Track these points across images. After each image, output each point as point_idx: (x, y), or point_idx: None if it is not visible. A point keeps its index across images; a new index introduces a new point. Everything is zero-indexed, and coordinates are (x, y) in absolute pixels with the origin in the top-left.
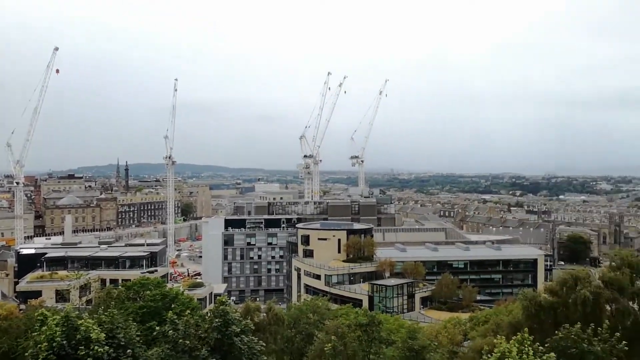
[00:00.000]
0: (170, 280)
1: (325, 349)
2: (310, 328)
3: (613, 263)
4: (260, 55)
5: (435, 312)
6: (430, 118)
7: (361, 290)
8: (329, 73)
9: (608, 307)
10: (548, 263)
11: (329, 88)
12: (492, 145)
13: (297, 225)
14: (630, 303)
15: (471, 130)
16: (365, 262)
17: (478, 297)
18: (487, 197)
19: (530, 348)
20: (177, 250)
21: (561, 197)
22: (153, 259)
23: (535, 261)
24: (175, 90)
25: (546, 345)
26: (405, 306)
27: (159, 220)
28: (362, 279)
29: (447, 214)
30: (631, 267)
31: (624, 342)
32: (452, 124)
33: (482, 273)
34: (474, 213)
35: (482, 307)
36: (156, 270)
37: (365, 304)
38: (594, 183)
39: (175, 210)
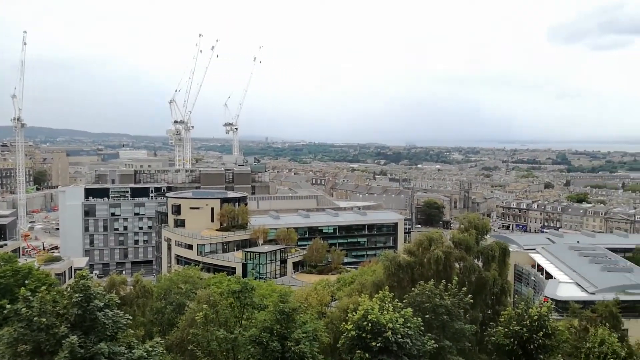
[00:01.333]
0: (23, 255)
1: (197, 317)
2: (181, 298)
3: (462, 225)
4: (130, 8)
5: (306, 276)
6: (306, 88)
7: (234, 259)
8: (200, 35)
9: (457, 265)
10: (407, 226)
11: (201, 51)
12: (361, 117)
13: (167, 195)
14: (476, 260)
15: (343, 101)
16: (239, 231)
17: (346, 260)
18: (355, 165)
19: (390, 304)
20: (30, 222)
21: (419, 166)
22: (2, 232)
23: (396, 225)
24: (25, 44)
25: (404, 301)
26: (278, 271)
27: (7, 189)
28: (235, 247)
29: (318, 182)
30: (477, 228)
31: (469, 295)
32: (327, 95)
33: (350, 237)
34: (343, 181)
35: (349, 268)
36: (5, 245)
37: (239, 271)
38: (447, 153)
39: (26, 178)
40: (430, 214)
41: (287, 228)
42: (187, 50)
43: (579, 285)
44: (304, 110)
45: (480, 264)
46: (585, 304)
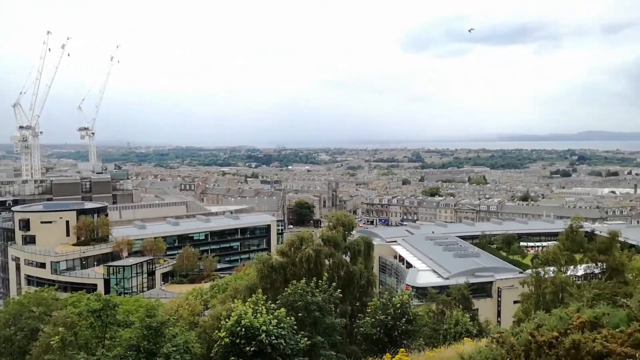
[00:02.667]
0: None
1: (53, 342)
2: (34, 323)
3: (330, 223)
4: None
5: (177, 286)
6: (172, 90)
7: (95, 275)
8: (48, 32)
9: (327, 261)
10: (280, 227)
11: (49, 49)
12: (232, 119)
13: (13, 209)
14: (344, 256)
15: (212, 103)
16: (99, 244)
17: (219, 266)
18: (226, 169)
19: (263, 307)
20: None
21: (290, 167)
22: None
23: (269, 227)
24: None
25: (277, 301)
26: (145, 285)
27: None
28: (96, 262)
29: (188, 188)
30: (344, 225)
31: (339, 290)
32: (193, 97)
33: (222, 242)
34: (214, 185)
35: (222, 275)
36: None
37: (101, 288)
38: (316, 154)
39: None
40: (301, 214)
41: (155, 237)
42: (35, 48)
43: (435, 271)
44: (169, 113)
45: (348, 259)
46: (441, 288)
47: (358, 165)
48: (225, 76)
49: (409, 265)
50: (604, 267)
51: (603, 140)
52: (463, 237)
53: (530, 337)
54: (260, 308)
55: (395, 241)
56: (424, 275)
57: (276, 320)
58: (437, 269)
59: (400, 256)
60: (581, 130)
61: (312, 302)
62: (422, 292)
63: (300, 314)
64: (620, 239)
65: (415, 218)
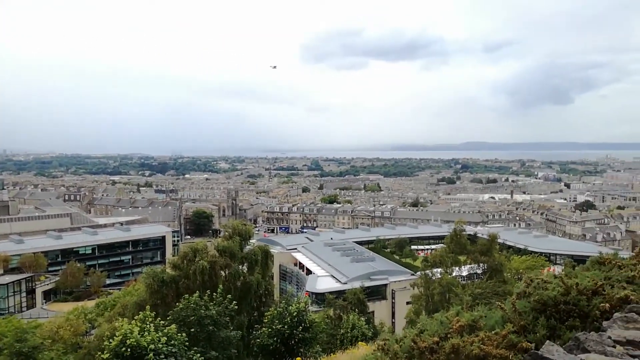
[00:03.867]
0: None
1: None
2: None
3: (226, 233)
4: None
5: (60, 305)
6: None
7: None
8: None
9: (223, 273)
10: (176, 238)
11: None
12: (122, 126)
13: None
14: (241, 266)
15: (101, 109)
16: None
17: (108, 281)
18: (116, 178)
19: (152, 324)
20: None
21: (187, 175)
22: None
23: (163, 238)
24: None
25: (168, 317)
26: (24, 304)
27: None
28: None
29: (73, 198)
30: (241, 235)
31: (234, 301)
32: (78, 102)
33: (112, 256)
34: (103, 195)
35: (111, 290)
36: None
37: None
38: (215, 162)
39: None
40: (199, 224)
41: (34, 253)
42: None
43: (334, 277)
44: (52, 118)
45: (245, 268)
46: (339, 293)
47: (258, 174)
48: (112, 81)
49: (309, 272)
50: (485, 267)
51: (483, 150)
52: (360, 243)
53: (412, 344)
54: (148, 326)
55: (296, 248)
56: (323, 281)
57: (166, 338)
58: (336, 274)
59: (300, 263)
60: (464, 141)
61: (206, 316)
62: (321, 298)
63: (193, 329)
64: (500, 240)
65: (315, 225)
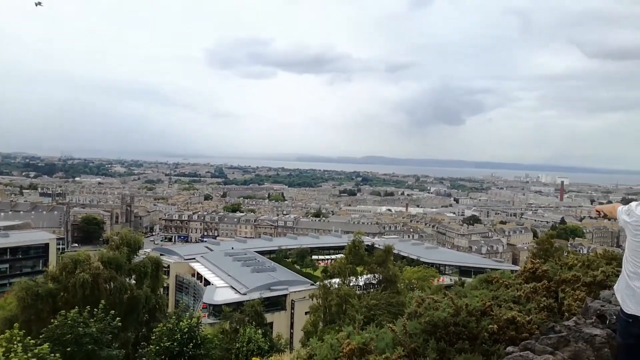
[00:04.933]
0: None
1: None
2: None
3: (112, 243)
4: None
5: None
6: None
7: None
8: None
9: (107, 286)
10: (61, 246)
11: None
12: (3, 122)
13: None
14: (128, 279)
15: None
16: None
17: None
18: None
19: (19, 344)
20: None
21: (77, 179)
22: None
23: (46, 246)
24: None
25: (42, 336)
26: None
27: None
28: None
29: None
30: (129, 245)
31: (118, 317)
32: None
33: None
34: None
35: None
36: None
37: None
38: (109, 166)
39: None
40: (89, 231)
41: None
42: None
43: (234, 288)
44: None
45: (133, 281)
46: (239, 304)
47: (157, 179)
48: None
49: (207, 283)
50: (381, 277)
51: (382, 164)
52: (261, 252)
53: None
54: (15, 345)
55: (194, 258)
56: (222, 292)
57: (36, 359)
58: (235, 285)
59: (198, 274)
60: (365, 154)
61: (84, 333)
62: (219, 310)
63: (69, 349)
64: (395, 251)
65: (216, 234)
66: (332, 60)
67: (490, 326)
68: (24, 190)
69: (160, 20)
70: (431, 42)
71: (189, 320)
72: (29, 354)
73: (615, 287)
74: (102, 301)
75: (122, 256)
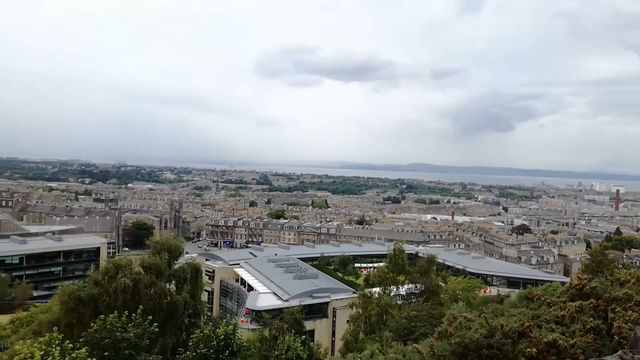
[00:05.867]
0: None
1: None
2: None
3: (154, 248)
4: None
5: None
6: None
7: None
8: None
9: (147, 291)
10: (112, 250)
11: None
12: (62, 131)
13: None
14: (167, 285)
15: (37, 112)
16: None
17: (35, 294)
18: (54, 184)
19: (57, 348)
20: None
21: (130, 185)
22: None
23: (98, 249)
24: None
25: (81, 340)
26: None
27: None
28: None
29: (4, 204)
30: (169, 251)
31: (156, 323)
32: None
33: (41, 267)
34: (37, 202)
35: (37, 303)
36: None
37: None
38: (160, 172)
39: None
40: (139, 236)
41: None
42: None
43: (276, 294)
44: None
45: (173, 287)
46: (280, 311)
47: (205, 186)
48: (49, 84)
49: (250, 288)
50: (423, 288)
51: (428, 172)
52: (304, 259)
53: None
54: (53, 349)
55: (238, 264)
56: (264, 298)
57: None
58: (278, 291)
59: (242, 279)
60: (410, 162)
61: (122, 338)
62: (261, 315)
63: (107, 353)
64: (440, 260)
65: (260, 240)
66: (377, 68)
67: (529, 350)
68: (79, 196)
69: (209, 29)
70: (478, 48)
71: (226, 327)
72: (67, 358)
73: None
74: (141, 306)
75: (162, 262)
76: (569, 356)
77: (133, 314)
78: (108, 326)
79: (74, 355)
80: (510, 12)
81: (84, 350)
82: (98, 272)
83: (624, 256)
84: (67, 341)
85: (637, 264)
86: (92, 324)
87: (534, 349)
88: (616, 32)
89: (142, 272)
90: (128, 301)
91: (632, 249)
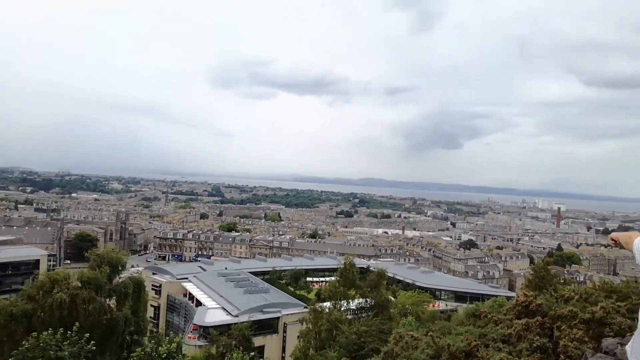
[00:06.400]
0: None
1: None
2: None
3: (93, 262)
4: None
5: None
6: None
7: None
8: None
9: (86, 307)
10: (52, 263)
11: None
12: (1, 136)
13: None
14: (108, 300)
15: None
16: None
17: None
18: None
19: None
20: None
21: (74, 194)
22: None
23: (37, 262)
24: None
25: (11, 359)
26: None
27: None
28: None
29: None
30: (111, 264)
31: (93, 341)
32: None
33: None
34: None
35: None
36: None
37: None
38: (106, 182)
39: None
40: (82, 248)
41: None
42: None
43: (225, 309)
44: None
45: (113, 302)
46: (229, 327)
47: (154, 197)
48: None
49: (199, 303)
50: (373, 302)
51: (380, 187)
52: (255, 273)
53: None
54: None
55: (187, 278)
56: (213, 314)
57: None
58: (227, 306)
59: (190, 294)
60: (362, 176)
61: (57, 357)
62: (209, 332)
63: None
64: (390, 274)
65: (210, 253)
66: (332, 82)
67: None
68: (19, 205)
69: (159, 37)
70: (431, 67)
71: (169, 345)
72: None
73: (628, 349)
74: (77, 323)
75: (102, 276)
76: None
77: (69, 331)
78: (41, 344)
79: None
80: (464, 33)
81: None
82: (33, 287)
83: (565, 271)
84: (3, 358)
85: (577, 279)
86: (24, 342)
87: None
88: (561, 56)
89: (80, 287)
90: (64, 317)
91: (573, 265)
